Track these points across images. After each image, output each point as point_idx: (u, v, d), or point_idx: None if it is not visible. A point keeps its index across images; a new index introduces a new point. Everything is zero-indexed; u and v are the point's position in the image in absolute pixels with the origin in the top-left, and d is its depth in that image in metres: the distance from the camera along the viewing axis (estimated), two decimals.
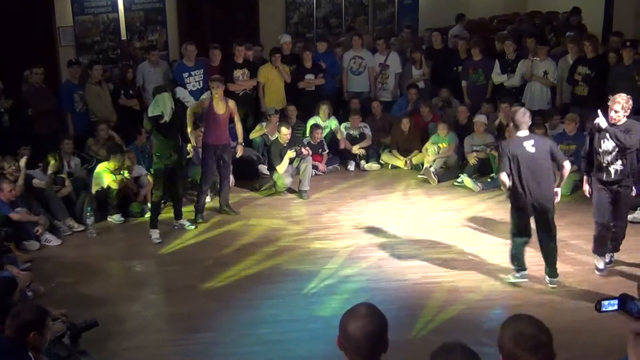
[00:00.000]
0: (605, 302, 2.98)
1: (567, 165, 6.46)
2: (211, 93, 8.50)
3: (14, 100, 9.41)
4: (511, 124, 6.49)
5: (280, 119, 10.40)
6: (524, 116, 6.37)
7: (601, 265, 6.91)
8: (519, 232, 6.60)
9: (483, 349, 5.30)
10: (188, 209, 8.86)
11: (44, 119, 9.63)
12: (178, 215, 8.59)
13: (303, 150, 9.56)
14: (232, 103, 8.67)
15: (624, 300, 2.95)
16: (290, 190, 9.71)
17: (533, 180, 6.24)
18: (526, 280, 6.73)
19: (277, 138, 9.71)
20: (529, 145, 6.25)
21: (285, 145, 9.48)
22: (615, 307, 2.96)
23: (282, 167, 9.44)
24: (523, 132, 6.33)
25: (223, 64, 10.69)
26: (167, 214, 8.72)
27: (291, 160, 9.50)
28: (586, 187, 7.02)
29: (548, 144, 6.48)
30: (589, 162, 6.87)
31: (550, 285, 6.65)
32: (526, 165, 6.21)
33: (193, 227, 8.54)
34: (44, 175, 8.58)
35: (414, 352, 5.14)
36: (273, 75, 10.94)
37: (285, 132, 9.51)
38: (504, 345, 2.58)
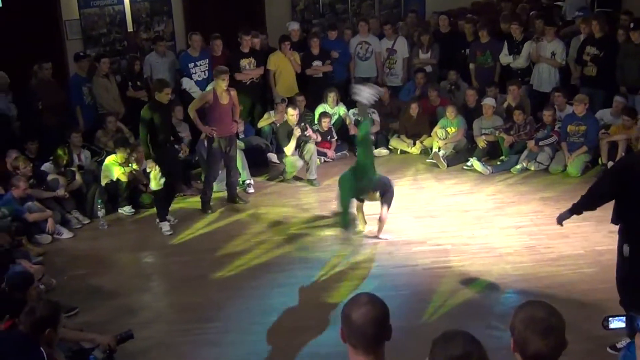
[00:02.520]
0: (612, 319, 3.28)
1: None
2: (215, 84, 8.42)
3: (22, 94, 9.45)
4: None
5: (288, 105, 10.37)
6: None
7: None
8: None
9: (494, 333, 5.36)
10: (195, 200, 8.92)
11: (53, 112, 9.66)
12: None
13: (308, 128, 9.63)
14: (233, 92, 8.55)
15: (631, 319, 3.22)
16: (297, 177, 9.69)
17: None
18: None
19: (285, 121, 9.72)
20: None
21: (293, 126, 9.51)
22: (623, 324, 3.25)
23: (290, 148, 9.44)
24: None
25: (228, 53, 10.66)
26: (176, 204, 8.75)
27: (297, 145, 9.49)
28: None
29: None
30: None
31: None
32: None
33: (177, 220, 8.40)
34: (53, 168, 8.65)
35: (424, 337, 5.08)
36: (284, 63, 10.89)
37: (292, 112, 9.54)
38: (515, 327, 2.58)
